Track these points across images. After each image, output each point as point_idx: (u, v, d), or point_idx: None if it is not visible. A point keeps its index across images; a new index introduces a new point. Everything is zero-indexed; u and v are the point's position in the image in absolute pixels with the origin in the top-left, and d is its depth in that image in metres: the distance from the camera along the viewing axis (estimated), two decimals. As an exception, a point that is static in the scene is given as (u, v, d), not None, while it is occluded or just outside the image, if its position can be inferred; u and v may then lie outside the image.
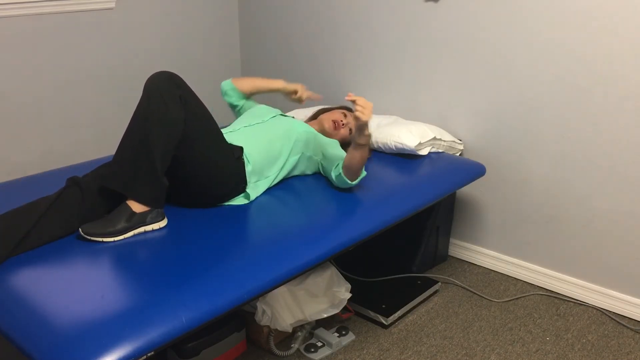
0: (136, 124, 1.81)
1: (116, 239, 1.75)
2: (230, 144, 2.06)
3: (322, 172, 2.27)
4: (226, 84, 2.47)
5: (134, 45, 2.99)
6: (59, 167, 2.40)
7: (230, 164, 2.01)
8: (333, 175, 2.10)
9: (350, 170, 2.04)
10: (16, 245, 1.64)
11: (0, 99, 2.60)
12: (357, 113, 1.90)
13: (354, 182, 2.07)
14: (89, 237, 1.72)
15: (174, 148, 1.83)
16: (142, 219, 1.79)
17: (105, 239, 1.73)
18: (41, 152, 2.77)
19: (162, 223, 1.85)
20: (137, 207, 1.78)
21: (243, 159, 2.04)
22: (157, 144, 1.78)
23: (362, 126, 1.94)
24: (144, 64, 3.03)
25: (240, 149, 2.07)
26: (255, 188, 2.07)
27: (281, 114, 2.37)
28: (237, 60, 3.49)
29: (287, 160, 2.17)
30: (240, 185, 2.03)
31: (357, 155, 2.00)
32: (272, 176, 2.13)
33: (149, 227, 1.81)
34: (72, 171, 2.06)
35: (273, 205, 2.04)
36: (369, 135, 1.97)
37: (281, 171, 2.16)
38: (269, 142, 2.14)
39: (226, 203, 2.02)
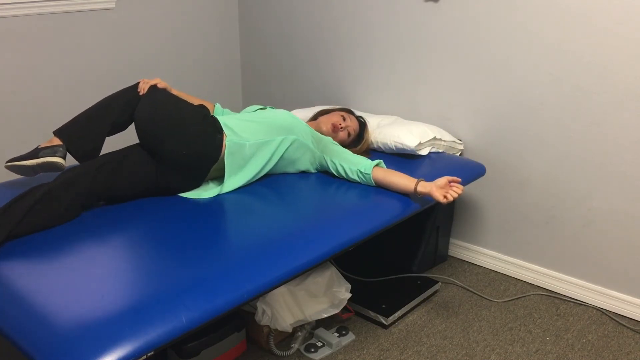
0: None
1: (15, 163, 1.98)
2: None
3: (328, 168, 2.24)
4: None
5: (134, 45, 2.99)
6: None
7: (198, 111, 2.11)
8: (362, 170, 2.14)
9: (382, 186, 2.13)
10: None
11: (0, 98, 2.60)
12: (448, 198, 1.99)
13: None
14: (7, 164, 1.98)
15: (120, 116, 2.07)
16: (37, 152, 1.97)
17: (13, 163, 1.99)
18: (41, 152, 2.76)
19: (54, 159, 1.95)
20: (48, 141, 2.00)
21: (214, 116, 2.15)
22: (110, 108, 2.05)
23: (435, 199, 2.03)
24: (144, 64, 3.03)
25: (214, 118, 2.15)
26: (241, 150, 2.07)
27: (271, 107, 2.41)
28: (237, 60, 3.49)
29: (274, 140, 2.13)
30: (217, 132, 2.05)
31: (399, 189, 2.09)
32: (261, 160, 2.12)
33: (39, 160, 1.95)
34: (72, 171, 2.05)
35: (273, 204, 2.04)
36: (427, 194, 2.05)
37: (272, 156, 2.13)
38: (252, 123, 2.15)
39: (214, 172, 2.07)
